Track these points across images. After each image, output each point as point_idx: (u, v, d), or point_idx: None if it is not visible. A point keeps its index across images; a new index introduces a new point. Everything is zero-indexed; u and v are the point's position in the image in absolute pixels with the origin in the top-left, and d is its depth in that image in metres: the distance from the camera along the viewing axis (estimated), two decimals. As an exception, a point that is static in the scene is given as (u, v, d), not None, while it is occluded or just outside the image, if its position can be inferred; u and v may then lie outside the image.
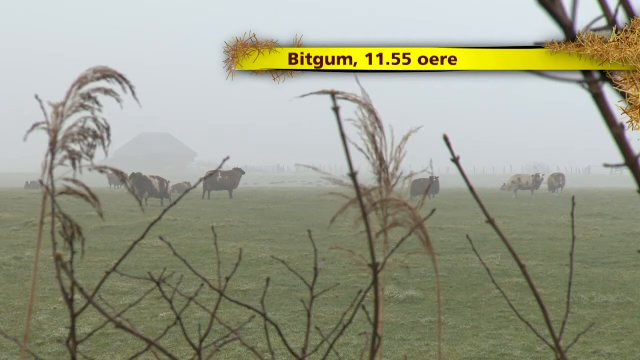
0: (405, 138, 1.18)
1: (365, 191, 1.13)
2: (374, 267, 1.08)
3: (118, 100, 1.30)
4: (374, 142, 1.15)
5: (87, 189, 1.26)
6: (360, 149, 1.11)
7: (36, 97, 1.27)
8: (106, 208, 26.52)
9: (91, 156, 1.28)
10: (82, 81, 1.29)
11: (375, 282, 1.10)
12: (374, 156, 1.14)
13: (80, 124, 1.27)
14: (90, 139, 1.27)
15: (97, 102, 1.28)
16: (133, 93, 1.31)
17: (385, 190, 1.14)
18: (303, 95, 1.19)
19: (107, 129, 1.29)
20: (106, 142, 1.29)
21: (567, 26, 0.71)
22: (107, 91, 1.29)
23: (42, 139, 1.28)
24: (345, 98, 1.04)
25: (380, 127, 1.16)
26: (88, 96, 1.28)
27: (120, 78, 1.30)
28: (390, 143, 1.17)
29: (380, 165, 1.15)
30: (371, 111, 1.15)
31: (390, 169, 1.16)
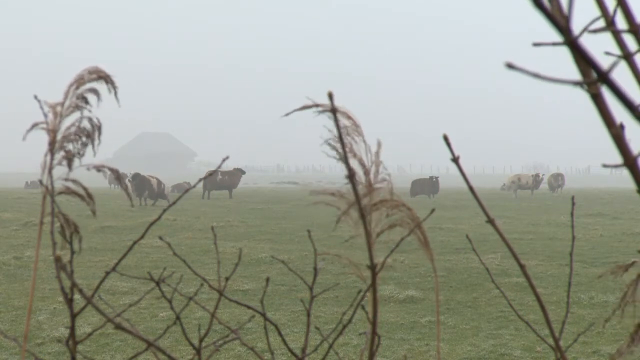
0: (380, 145, 1.18)
1: (364, 193, 1.13)
2: (373, 268, 1.09)
3: (98, 100, 1.30)
4: (351, 149, 1.15)
5: (84, 188, 1.27)
6: (347, 158, 1.11)
7: (35, 97, 1.27)
8: (106, 208, 26.52)
9: (82, 155, 1.28)
10: (79, 82, 1.29)
11: (373, 283, 1.10)
12: (348, 164, 1.15)
13: (77, 124, 1.28)
14: (84, 139, 1.28)
15: (87, 102, 1.29)
16: (115, 94, 1.32)
17: (370, 193, 1.14)
18: (288, 113, 1.19)
19: (99, 127, 1.29)
20: (96, 142, 1.29)
21: (563, 28, 0.71)
22: (94, 91, 1.29)
23: (42, 139, 1.29)
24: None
25: (361, 134, 1.16)
26: (82, 97, 1.29)
27: (108, 79, 1.30)
28: (366, 149, 1.18)
29: (363, 168, 1.16)
30: (350, 118, 1.16)
31: (372, 173, 1.17)
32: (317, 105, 1.09)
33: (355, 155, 1.15)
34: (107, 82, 1.30)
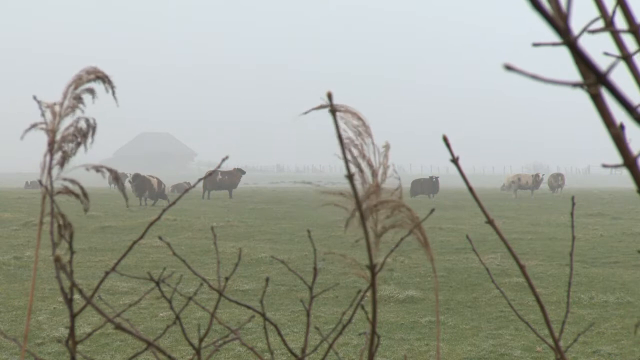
0: (388, 148, 1.19)
1: (371, 193, 1.14)
2: (372, 269, 1.09)
3: (93, 100, 1.30)
4: (362, 149, 1.16)
5: (80, 187, 1.27)
6: (347, 159, 1.11)
7: (34, 98, 1.27)
8: (106, 208, 26.52)
9: (74, 155, 1.28)
10: (77, 82, 1.29)
11: (373, 283, 1.10)
12: (364, 162, 1.15)
13: (75, 125, 1.28)
14: (79, 139, 1.28)
15: (82, 103, 1.29)
16: (113, 93, 1.32)
17: (376, 193, 1.15)
18: (306, 112, 1.19)
19: (93, 128, 1.29)
20: (89, 141, 1.29)
21: (562, 29, 0.71)
22: (92, 91, 1.29)
23: (42, 139, 1.29)
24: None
25: (370, 134, 1.17)
26: (80, 97, 1.29)
27: (106, 79, 1.30)
28: (374, 151, 1.18)
29: (371, 169, 1.16)
30: (360, 119, 1.16)
31: (380, 173, 1.17)
32: (331, 106, 1.09)
33: (364, 156, 1.15)
34: (104, 82, 1.30)
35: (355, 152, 1.14)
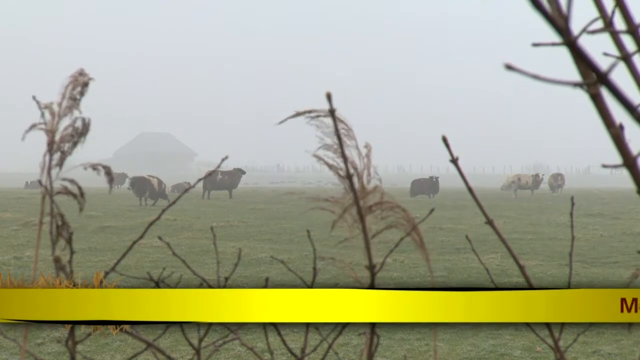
0: (370, 149, 1.19)
1: (362, 194, 1.14)
2: (372, 268, 1.09)
3: (81, 99, 1.30)
4: (343, 153, 1.16)
5: (79, 187, 1.27)
6: (329, 165, 1.12)
7: (34, 98, 1.27)
8: (106, 208, 26.53)
9: (70, 154, 1.28)
10: (74, 83, 1.29)
11: (372, 283, 1.10)
12: (347, 165, 1.16)
13: (73, 125, 1.28)
14: (77, 139, 1.28)
15: (77, 104, 1.29)
16: (81, 97, 1.32)
17: (364, 195, 1.15)
18: (282, 122, 1.19)
19: (87, 127, 1.29)
20: (82, 140, 1.29)
21: (562, 28, 0.71)
22: (87, 92, 1.30)
23: (42, 139, 1.29)
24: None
25: (353, 137, 1.17)
26: (77, 98, 1.29)
27: (86, 84, 1.31)
28: (359, 153, 1.18)
29: (355, 172, 1.17)
30: (341, 121, 1.16)
31: (365, 176, 1.17)
32: (310, 112, 1.09)
33: (347, 159, 1.15)
34: (82, 87, 1.30)
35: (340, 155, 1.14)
